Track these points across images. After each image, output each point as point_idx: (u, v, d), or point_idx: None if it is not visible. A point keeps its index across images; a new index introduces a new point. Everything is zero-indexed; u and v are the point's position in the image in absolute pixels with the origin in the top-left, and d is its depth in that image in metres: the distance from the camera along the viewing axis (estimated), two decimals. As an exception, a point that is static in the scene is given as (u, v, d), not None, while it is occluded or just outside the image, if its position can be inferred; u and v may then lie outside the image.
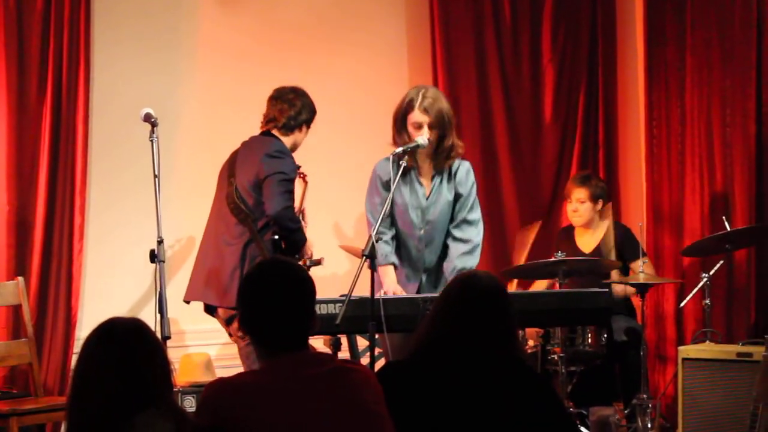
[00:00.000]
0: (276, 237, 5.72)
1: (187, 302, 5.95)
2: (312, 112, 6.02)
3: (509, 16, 7.75)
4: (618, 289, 6.77)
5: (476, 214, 5.72)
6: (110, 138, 6.73)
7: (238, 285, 5.55)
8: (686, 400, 5.95)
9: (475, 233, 5.68)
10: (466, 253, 5.61)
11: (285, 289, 3.25)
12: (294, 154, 5.93)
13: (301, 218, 6.13)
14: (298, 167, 6.29)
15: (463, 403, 3.43)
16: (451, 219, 5.68)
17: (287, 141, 5.93)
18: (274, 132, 5.92)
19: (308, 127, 6.03)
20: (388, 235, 5.63)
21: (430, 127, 5.49)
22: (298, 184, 6.17)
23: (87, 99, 6.54)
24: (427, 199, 5.63)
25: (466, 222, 5.67)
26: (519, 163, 7.77)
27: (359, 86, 7.53)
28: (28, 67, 6.41)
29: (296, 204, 6.02)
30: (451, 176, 5.65)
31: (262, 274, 3.32)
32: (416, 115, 5.52)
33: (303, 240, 5.88)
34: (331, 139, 7.34)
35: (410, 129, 5.52)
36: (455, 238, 5.65)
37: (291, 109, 5.93)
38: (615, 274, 6.72)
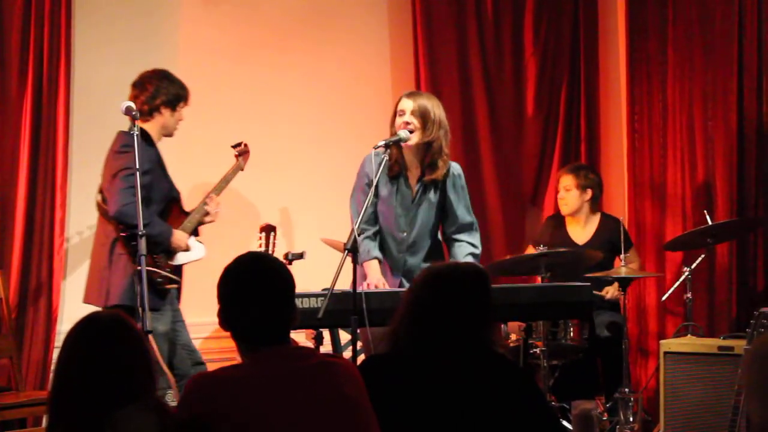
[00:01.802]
0: (122, 234, 5.58)
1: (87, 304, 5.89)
2: (170, 93, 5.84)
3: (491, 10, 7.75)
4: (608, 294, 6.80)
5: (473, 218, 5.74)
6: (91, 133, 6.70)
7: (119, 284, 5.52)
8: (668, 393, 5.96)
9: (479, 240, 5.73)
10: (476, 256, 5.63)
11: (263, 283, 3.25)
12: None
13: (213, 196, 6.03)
14: (237, 146, 6.24)
15: (445, 396, 3.42)
16: (447, 223, 5.68)
17: (152, 127, 5.81)
18: (137, 121, 5.83)
19: (172, 108, 5.84)
20: (371, 230, 5.62)
21: (413, 113, 5.50)
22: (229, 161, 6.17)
23: (68, 94, 6.51)
24: (412, 201, 5.62)
25: (470, 226, 5.70)
26: (501, 157, 7.77)
27: (342, 82, 7.52)
28: (8, 62, 6.38)
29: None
30: (439, 180, 5.64)
31: (239, 270, 3.31)
32: (402, 102, 5.56)
33: (159, 234, 5.62)
34: (314, 135, 7.35)
35: (397, 118, 5.55)
36: (461, 240, 5.67)
37: (143, 94, 5.81)
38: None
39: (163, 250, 5.72)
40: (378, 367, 3.54)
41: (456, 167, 5.73)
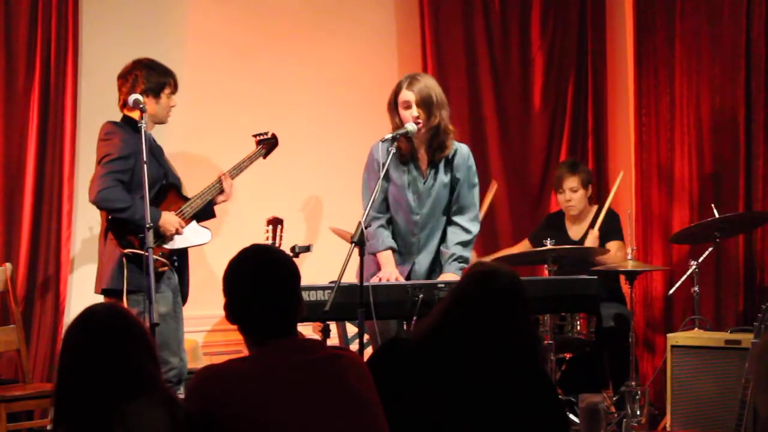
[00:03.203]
0: (110, 218, 5.58)
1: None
2: (150, 82, 5.78)
3: (498, 3, 7.76)
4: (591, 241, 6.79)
5: (476, 200, 5.71)
6: (98, 126, 6.70)
7: (108, 269, 5.52)
8: (675, 387, 5.96)
9: (475, 224, 5.67)
10: (465, 242, 5.60)
11: (267, 276, 3.24)
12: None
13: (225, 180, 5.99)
14: (260, 134, 6.23)
15: (464, 393, 3.40)
16: (450, 203, 5.66)
17: (139, 115, 5.66)
18: (125, 111, 5.80)
19: (155, 96, 5.77)
20: (383, 218, 5.60)
21: (417, 105, 5.48)
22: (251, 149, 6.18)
23: (75, 87, 6.53)
24: (424, 183, 5.61)
25: (468, 208, 5.65)
26: (508, 150, 7.77)
27: (349, 73, 7.53)
28: (15, 55, 6.39)
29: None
30: (449, 160, 5.63)
31: (244, 263, 3.30)
32: (404, 94, 5.51)
33: (142, 218, 5.34)
34: (321, 126, 7.35)
35: (401, 110, 5.51)
36: (456, 224, 5.64)
37: (125, 84, 5.79)
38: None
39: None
40: (400, 354, 3.52)
41: (464, 148, 5.70)
